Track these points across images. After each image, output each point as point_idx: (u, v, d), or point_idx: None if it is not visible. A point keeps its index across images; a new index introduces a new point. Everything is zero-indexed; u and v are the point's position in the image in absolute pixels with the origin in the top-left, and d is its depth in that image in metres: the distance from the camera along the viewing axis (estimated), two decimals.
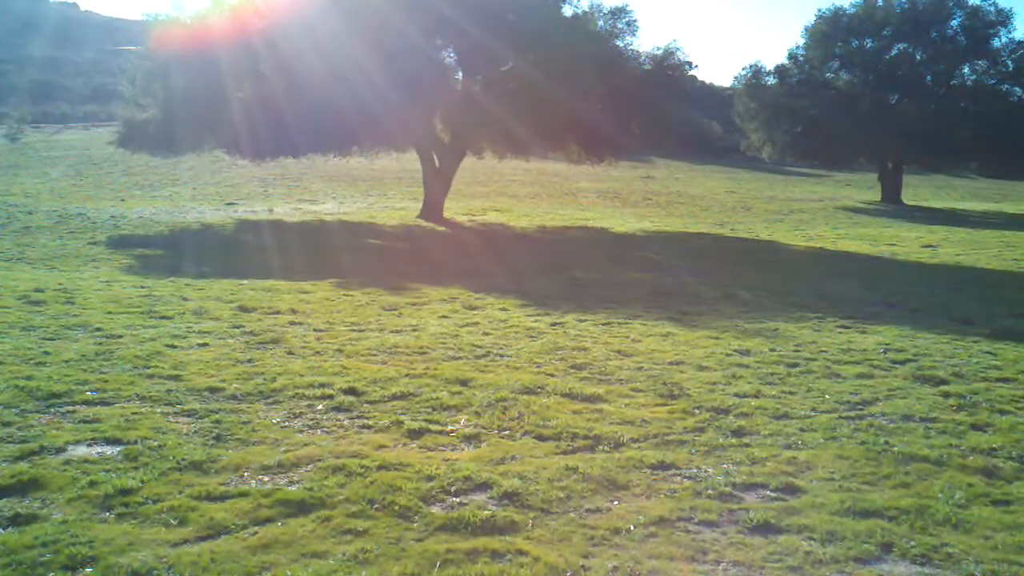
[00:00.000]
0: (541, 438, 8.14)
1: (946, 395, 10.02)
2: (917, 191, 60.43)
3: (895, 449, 7.95)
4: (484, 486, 6.89)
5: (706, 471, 7.35)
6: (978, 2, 51.76)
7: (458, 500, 6.64)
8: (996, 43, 52.13)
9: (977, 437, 8.43)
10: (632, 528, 6.18)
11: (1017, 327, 14.35)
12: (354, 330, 13.15)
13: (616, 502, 6.68)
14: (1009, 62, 52.25)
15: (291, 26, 28.45)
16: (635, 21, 33.14)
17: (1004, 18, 51.42)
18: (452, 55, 33.03)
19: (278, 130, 28.23)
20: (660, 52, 34.33)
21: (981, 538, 6.18)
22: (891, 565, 5.78)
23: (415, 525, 6.18)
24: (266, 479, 6.97)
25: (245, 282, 17.61)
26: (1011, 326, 14.42)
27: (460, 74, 33.59)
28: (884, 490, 7.04)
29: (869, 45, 53.58)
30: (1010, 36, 51.99)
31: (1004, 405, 9.63)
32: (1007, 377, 10.97)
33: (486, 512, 6.36)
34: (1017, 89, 53.02)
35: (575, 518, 6.36)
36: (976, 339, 13.38)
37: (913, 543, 6.06)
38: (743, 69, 55.76)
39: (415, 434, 8.17)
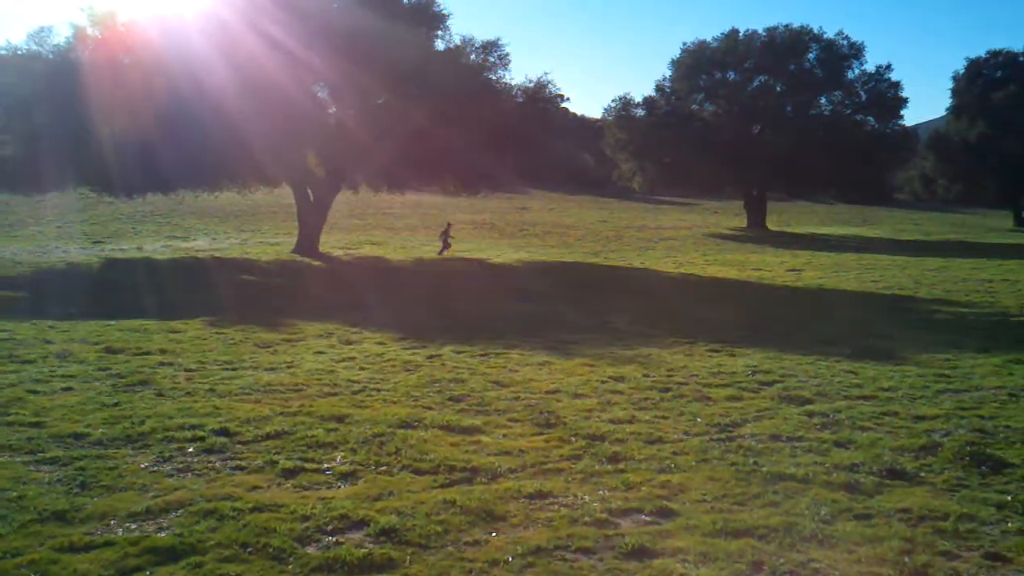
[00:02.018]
0: (419, 472, 8.10)
1: (811, 414, 10.38)
2: (781, 217, 62.66)
3: (764, 469, 8.19)
4: (361, 524, 6.80)
5: (582, 498, 7.42)
6: (832, 36, 54.28)
7: (334, 539, 6.54)
8: (850, 75, 54.73)
9: (840, 454, 8.75)
10: (510, 559, 6.19)
11: (876, 346, 14.97)
12: (227, 369, 12.86)
13: (494, 534, 6.68)
14: (862, 93, 54.87)
15: (159, 60, 27.83)
16: (507, 55, 33.63)
17: (856, 51, 54.14)
18: (325, 89, 32.83)
19: (147, 165, 27.49)
20: (532, 85, 34.86)
21: (845, 552, 6.39)
22: None
23: (290, 567, 6.06)
24: (133, 526, 6.74)
25: (113, 323, 17.02)
26: (871, 345, 15.03)
27: (333, 108, 33.41)
28: (754, 509, 7.23)
29: (732, 77, 55.53)
30: (862, 68, 54.77)
31: (865, 422, 10.03)
32: (867, 395, 11.43)
33: (363, 550, 6.28)
34: (871, 119, 55.61)
35: (453, 552, 6.34)
36: (839, 359, 13.91)
37: (782, 560, 6.23)
38: (612, 101, 57.10)
39: (290, 473, 8.02)
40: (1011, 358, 13.88)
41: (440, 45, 33.38)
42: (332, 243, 35.80)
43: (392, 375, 12.56)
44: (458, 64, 32.29)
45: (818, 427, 9.81)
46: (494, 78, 33.73)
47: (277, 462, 8.28)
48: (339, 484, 7.81)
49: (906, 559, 6.23)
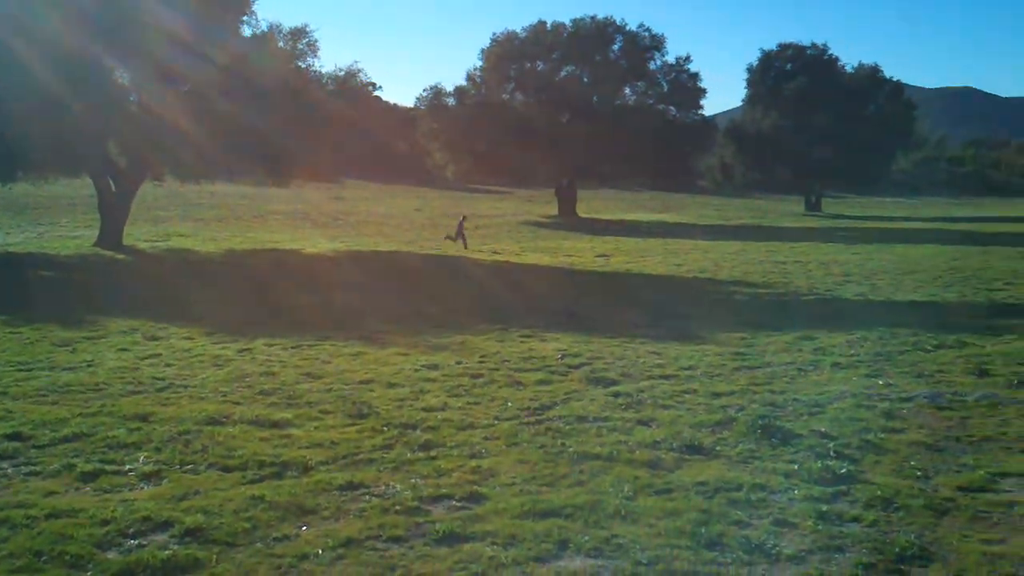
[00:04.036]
0: (226, 469, 7.94)
1: (616, 395, 10.77)
2: (591, 204, 64.20)
3: (571, 450, 8.45)
4: (165, 525, 6.61)
5: (394, 487, 7.46)
6: (635, 28, 56.00)
7: (136, 543, 6.34)
8: (652, 66, 56.60)
9: (643, 432, 9.13)
10: (320, 552, 6.17)
11: (678, 327, 15.64)
12: (21, 370, 12.18)
13: (304, 527, 6.64)
14: (664, 83, 56.90)
15: None
16: (316, 42, 33.06)
17: (658, 43, 56.04)
18: (125, 75, 31.37)
19: None
20: (343, 73, 34.44)
21: (647, 527, 6.68)
22: (567, 561, 6.13)
23: (88, 574, 5.84)
24: None
25: None
26: (673, 326, 15.69)
27: (135, 95, 31.98)
28: (561, 490, 7.45)
29: (540, 68, 56.41)
30: (664, 59, 56.73)
31: (666, 400, 10.50)
32: (669, 374, 11.96)
33: (166, 552, 6.12)
34: (672, 108, 57.74)
35: (262, 548, 6.25)
36: (644, 341, 14.45)
37: (587, 538, 6.45)
38: (424, 90, 56.98)
39: (89, 477, 7.70)
40: (801, 335, 14.79)
41: (247, 31, 32.51)
42: (137, 236, 34.29)
43: (200, 370, 12.22)
44: (266, 51, 31.52)
45: (623, 407, 10.19)
46: (303, 66, 33.16)
47: (75, 465, 7.94)
48: (142, 485, 7.57)
49: (702, 530, 6.57)
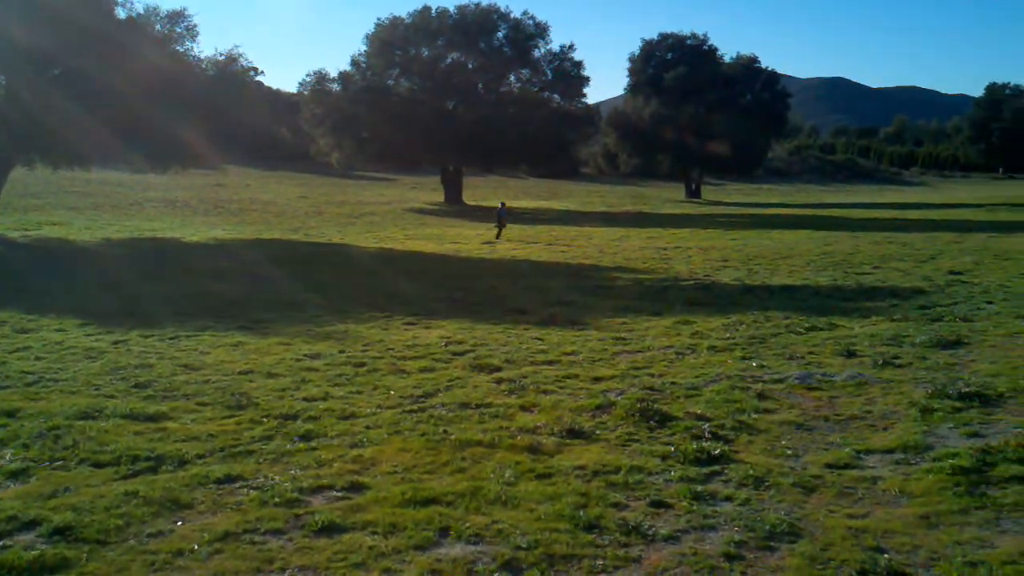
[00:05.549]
0: (99, 465, 7.71)
1: (499, 381, 10.85)
2: (477, 191, 64.34)
3: (453, 437, 8.48)
4: (32, 524, 6.39)
5: (273, 479, 7.36)
6: (519, 16, 56.19)
7: (1, 543, 6.10)
8: (537, 53, 56.92)
9: (525, 418, 9.22)
10: (196, 547, 6.05)
11: (560, 313, 15.82)
12: None
13: (180, 522, 6.50)
14: (548, 71, 57.28)
15: None
16: (195, 26, 32.29)
17: (542, 31, 56.37)
18: None
19: None
20: (223, 58, 33.68)
21: (527, 511, 6.75)
22: (447, 548, 6.15)
23: None
24: None
25: None
26: (556, 313, 15.86)
27: (2, 78, 30.63)
28: (443, 477, 7.47)
29: (426, 54, 56.13)
30: (548, 47, 57.08)
31: (549, 385, 10.62)
32: (552, 359, 12.10)
33: (34, 552, 5.91)
34: (557, 96, 58.19)
35: (135, 545, 6.10)
36: (527, 327, 14.58)
37: (468, 524, 6.48)
38: (307, 75, 56.10)
39: None
40: (679, 319, 15.13)
41: (122, 14, 31.47)
42: (7, 224, 32.92)
43: (72, 364, 11.83)
44: (142, 34, 30.59)
45: (506, 393, 10.28)
46: (182, 50, 32.32)
47: None
48: (8, 484, 7.29)
49: (581, 513, 6.67)
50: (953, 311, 15.75)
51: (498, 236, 32.74)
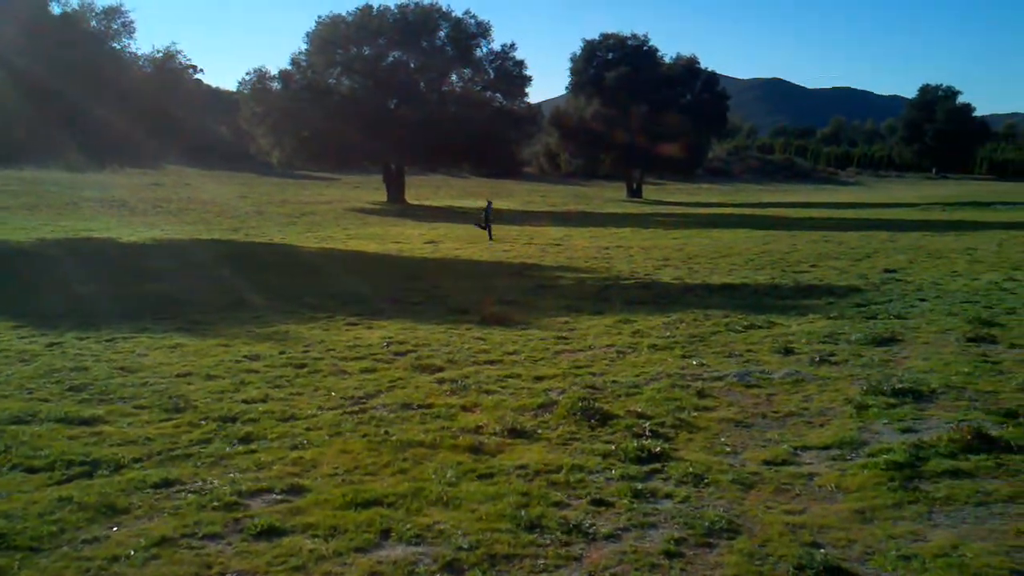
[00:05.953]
0: (32, 470, 7.55)
1: (441, 381, 10.83)
2: (419, 191, 64.19)
3: (394, 438, 8.44)
4: None
5: (211, 483, 7.27)
6: (460, 15, 56.10)
7: None
8: (479, 53, 56.91)
9: (467, 418, 9.21)
10: (132, 553, 5.96)
11: (502, 313, 15.83)
12: None
13: (115, 528, 6.39)
14: (490, 70, 57.30)
15: None
16: (132, 22, 31.93)
17: (484, 30, 56.36)
18: None
19: None
20: (160, 55, 33.22)
21: (468, 512, 6.74)
22: (388, 550, 6.13)
23: None
24: None
25: None
26: (497, 312, 15.87)
27: None
28: (384, 478, 7.44)
29: (367, 52, 55.80)
30: (490, 47, 57.09)
31: (491, 385, 10.62)
32: (494, 359, 12.11)
33: None
34: (499, 95, 58.22)
35: (69, 552, 5.99)
36: (469, 326, 14.57)
37: (409, 526, 6.46)
38: (247, 74, 55.50)
39: None
40: (620, 319, 15.22)
41: (56, 9, 30.90)
42: None
43: (4, 367, 11.59)
44: (77, 29, 30.04)
45: (448, 393, 10.26)
46: (118, 47, 31.82)
47: None
48: None
49: (522, 512, 6.68)
50: (887, 309, 16.06)
51: (490, 236, 32.63)
